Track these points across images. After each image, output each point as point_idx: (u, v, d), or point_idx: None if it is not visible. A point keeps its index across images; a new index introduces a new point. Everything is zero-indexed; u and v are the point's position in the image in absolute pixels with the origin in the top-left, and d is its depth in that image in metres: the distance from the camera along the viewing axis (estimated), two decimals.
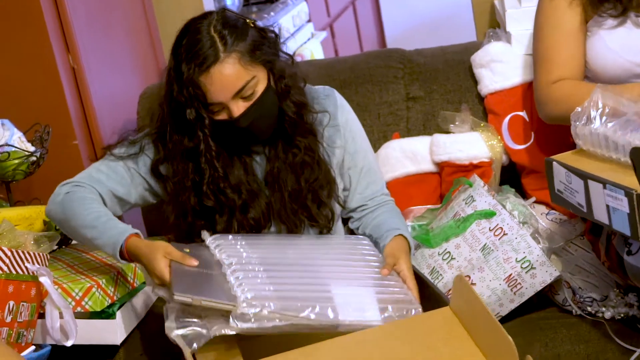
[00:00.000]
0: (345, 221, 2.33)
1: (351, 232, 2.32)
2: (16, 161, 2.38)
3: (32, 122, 2.51)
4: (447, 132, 2.58)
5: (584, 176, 1.83)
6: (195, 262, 1.88)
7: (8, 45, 2.59)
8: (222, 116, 2.03)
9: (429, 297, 2.03)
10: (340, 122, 2.21)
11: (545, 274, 2.13)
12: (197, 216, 2.12)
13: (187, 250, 1.92)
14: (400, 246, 2.09)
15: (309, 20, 4.61)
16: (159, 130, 2.12)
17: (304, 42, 4.40)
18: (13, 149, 2.38)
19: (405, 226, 2.22)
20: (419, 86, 2.71)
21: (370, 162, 2.28)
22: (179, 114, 2.03)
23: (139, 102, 2.77)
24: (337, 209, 2.22)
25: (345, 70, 2.77)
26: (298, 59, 4.14)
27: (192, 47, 1.97)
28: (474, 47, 2.69)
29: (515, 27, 2.59)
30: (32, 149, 2.43)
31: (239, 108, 2.00)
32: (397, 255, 2.04)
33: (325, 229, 2.17)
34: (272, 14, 4.14)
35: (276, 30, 2.11)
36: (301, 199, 2.13)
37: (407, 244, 2.12)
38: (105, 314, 2.05)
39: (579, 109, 1.89)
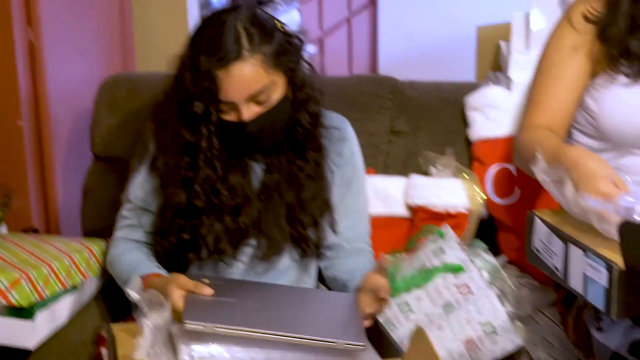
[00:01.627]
0: None
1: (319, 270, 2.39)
2: None
3: None
4: (427, 174, 2.64)
5: (566, 239, 1.88)
6: (209, 291, 1.97)
7: None
8: (231, 117, 2.09)
9: (381, 343, 2.08)
10: (348, 153, 2.31)
11: (507, 341, 2.19)
12: (179, 215, 2.17)
13: (207, 281, 2.02)
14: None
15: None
16: (161, 120, 2.18)
17: None
18: None
19: None
20: (405, 120, 2.77)
21: (362, 204, 2.37)
22: (185, 105, 2.09)
23: (98, 91, 2.81)
24: (329, 235, 2.28)
25: (332, 92, 2.80)
26: None
27: (216, 39, 2.04)
28: (471, 88, 2.74)
29: (518, 74, 2.64)
30: None
31: (250, 112, 2.07)
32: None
33: (309, 252, 2.24)
34: None
35: (301, 36, 2.18)
36: (295, 215, 2.19)
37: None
38: (26, 312, 2.08)
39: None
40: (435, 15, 5.78)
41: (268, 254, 2.22)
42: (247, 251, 2.23)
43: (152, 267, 2.17)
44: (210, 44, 2.03)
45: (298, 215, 2.20)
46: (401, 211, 2.64)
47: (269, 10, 4.23)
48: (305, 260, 2.27)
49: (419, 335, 1.89)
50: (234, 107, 2.07)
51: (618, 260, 1.73)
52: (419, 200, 2.59)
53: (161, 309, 1.93)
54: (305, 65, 2.19)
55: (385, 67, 5.97)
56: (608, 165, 1.92)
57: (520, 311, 2.31)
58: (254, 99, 2.06)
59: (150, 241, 2.24)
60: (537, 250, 1.99)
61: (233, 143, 2.14)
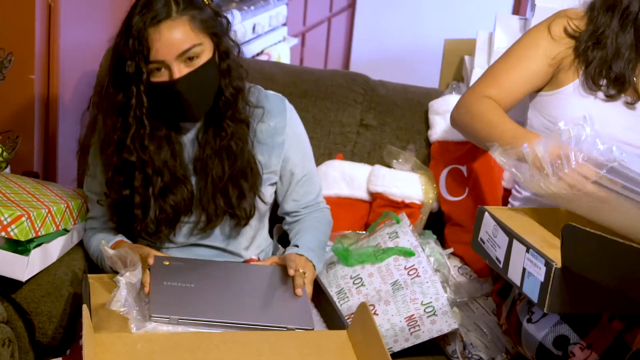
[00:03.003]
0: (280, 220, 2.39)
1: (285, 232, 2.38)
2: None
3: None
4: (389, 166, 2.63)
5: (511, 235, 1.87)
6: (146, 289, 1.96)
7: None
8: (162, 77, 2.04)
9: (330, 316, 2.07)
10: (287, 129, 2.25)
11: (444, 323, 2.19)
12: (116, 172, 2.13)
13: (167, 263, 2.02)
14: (302, 261, 2.14)
15: (285, 24, 4.64)
16: (100, 87, 2.15)
17: (275, 44, 4.43)
18: None
19: (321, 246, 2.26)
20: (374, 115, 2.76)
21: (310, 171, 2.32)
22: (119, 68, 2.04)
23: (104, 56, 2.77)
24: (260, 205, 2.24)
25: (310, 81, 2.81)
26: (265, 57, 4.19)
27: (148, 1, 2.01)
28: (436, 94, 2.75)
29: None
30: None
31: (180, 70, 2.02)
32: (300, 265, 2.10)
33: (242, 221, 2.19)
34: (252, 7, 4.16)
35: (228, 17, 2.15)
36: (222, 185, 2.15)
37: (307, 263, 2.15)
38: (22, 248, 2.05)
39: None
40: (407, 24, 5.78)
41: (204, 228, 2.19)
42: (184, 229, 2.21)
43: (116, 237, 2.19)
44: (142, 7, 2.01)
45: (225, 186, 2.15)
46: (363, 195, 2.64)
47: (261, 3, 4.22)
48: (238, 228, 2.24)
49: (362, 310, 1.88)
50: (165, 66, 2.03)
51: (557, 259, 1.73)
52: (379, 188, 2.59)
53: (134, 267, 1.93)
54: (232, 43, 2.14)
55: (356, 65, 5.97)
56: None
57: (459, 298, 2.32)
58: (184, 56, 2.02)
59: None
60: (482, 241, 1.99)
61: (163, 107, 2.08)
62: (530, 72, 2.23)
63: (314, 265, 2.15)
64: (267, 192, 2.26)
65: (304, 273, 2.08)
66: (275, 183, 2.29)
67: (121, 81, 2.05)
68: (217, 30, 2.08)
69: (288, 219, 2.34)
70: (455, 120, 2.28)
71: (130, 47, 2.00)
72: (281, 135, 2.23)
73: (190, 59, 2.03)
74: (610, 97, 2.15)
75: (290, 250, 2.19)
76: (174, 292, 1.96)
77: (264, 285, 2.06)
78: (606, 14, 2.16)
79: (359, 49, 6.02)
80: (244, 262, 2.25)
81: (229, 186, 2.15)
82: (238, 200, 2.16)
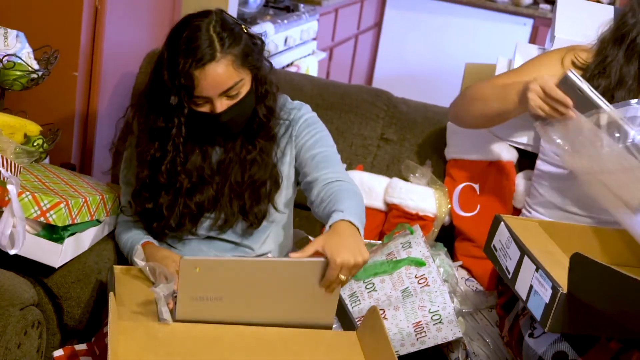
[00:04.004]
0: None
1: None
2: (19, 73, 2.37)
3: (44, 43, 2.51)
4: (406, 179, 2.62)
5: (523, 250, 1.86)
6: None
7: None
8: (204, 109, 2.05)
9: (342, 318, 2.06)
10: (302, 122, 2.20)
11: (449, 331, 2.18)
12: (144, 188, 2.15)
13: (197, 270, 1.85)
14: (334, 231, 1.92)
15: (315, 39, 4.65)
16: (140, 106, 2.15)
17: (304, 56, 4.44)
18: (20, 61, 2.36)
19: (355, 207, 2.01)
20: (394, 130, 2.75)
21: (328, 150, 2.20)
22: (161, 97, 2.05)
23: (143, 60, 2.77)
24: (274, 212, 2.21)
25: (336, 95, 2.81)
26: (294, 69, 4.19)
27: (191, 42, 1.99)
28: None
29: None
30: (36, 67, 2.42)
31: (222, 105, 2.04)
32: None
33: (254, 224, 2.18)
34: (285, 21, 4.16)
35: (263, 38, 2.15)
36: (240, 190, 2.15)
37: (346, 227, 1.92)
38: (57, 235, 2.05)
39: None
40: (430, 45, 5.77)
41: (223, 226, 2.19)
42: (205, 223, 2.19)
43: (144, 237, 2.18)
44: (187, 47, 1.99)
45: (243, 192, 2.15)
46: (379, 205, 2.63)
47: (294, 18, 4.23)
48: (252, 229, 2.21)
49: (372, 314, 1.87)
50: (208, 100, 2.04)
51: (564, 284, 1.71)
52: (396, 199, 2.57)
53: (166, 281, 1.92)
54: (267, 63, 2.15)
55: (379, 81, 5.96)
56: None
57: (464, 308, 2.30)
58: (226, 93, 2.03)
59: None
60: (495, 248, 1.98)
61: (203, 129, 2.10)
62: None
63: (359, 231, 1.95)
64: (282, 201, 2.22)
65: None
66: (303, 170, 2.19)
67: (162, 109, 2.07)
68: (255, 61, 2.08)
69: (312, 197, 2.14)
70: (453, 111, 2.35)
71: (175, 84, 2.01)
72: (296, 127, 2.20)
73: (232, 93, 2.04)
74: None
75: (336, 217, 1.94)
76: (202, 308, 1.87)
77: (293, 284, 1.92)
78: (614, 46, 2.17)
79: (382, 66, 6.01)
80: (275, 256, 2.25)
81: (246, 192, 2.16)
82: (252, 205, 2.16)
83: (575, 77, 1.99)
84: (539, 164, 2.34)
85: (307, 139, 2.20)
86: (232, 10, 3.49)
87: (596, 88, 2.11)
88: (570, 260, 1.69)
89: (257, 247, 2.24)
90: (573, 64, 2.22)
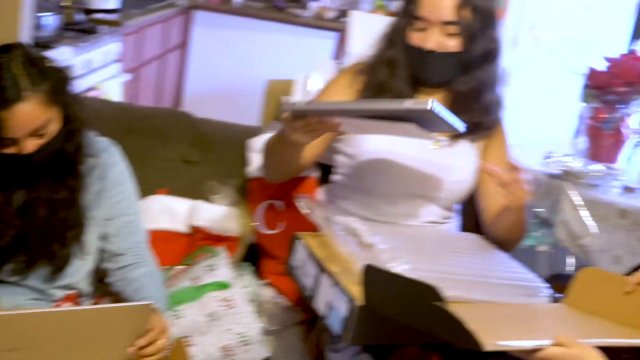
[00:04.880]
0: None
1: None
2: None
3: None
4: (210, 201, 2.62)
5: (320, 266, 1.90)
6: None
7: None
8: (11, 150, 1.95)
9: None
10: (112, 175, 2.17)
11: (258, 351, 2.20)
12: None
13: None
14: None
15: (119, 60, 4.58)
16: None
17: (106, 79, 4.36)
18: None
19: (163, 295, 2.17)
20: (197, 152, 2.75)
21: (134, 214, 2.22)
22: None
23: None
24: (108, 246, 2.17)
25: (137, 118, 2.78)
26: (95, 93, 4.11)
27: None
28: (256, 132, 2.75)
29: None
30: None
31: (30, 145, 1.94)
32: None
33: (57, 268, 2.10)
34: (85, 44, 4.08)
35: (70, 70, 2.07)
36: (48, 233, 2.07)
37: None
38: None
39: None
40: (238, 62, 5.80)
41: (25, 271, 2.08)
42: (8, 267, 2.09)
43: None
44: None
45: (50, 234, 2.07)
46: (183, 228, 2.61)
47: (94, 40, 4.15)
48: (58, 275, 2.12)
49: (177, 347, 1.86)
50: (15, 141, 1.94)
51: (359, 296, 1.75)
52: (199, 222, 2.57)
53: None
54: (74, 97, 2.06)
55: (189, 100, 5.94)
56: None
57: (272, 327, 2.33)
58: (34, 134, 1.94)
59: None
60: (295, 267, 2.01)
61: (10, 173, 1.99)
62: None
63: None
64: (93, 243, 2.16)
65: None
66: (105, 231, 2.18)
67: None
68: (66, 98, 1.99)
69: (111, 265, 2.20)
70: (264, 172, 2.40)
71: None
72: (107, 181, 2.16)
73: (41, 133, 1.95)
74: None
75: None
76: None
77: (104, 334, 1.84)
78: (376, 55, 2.30)
79: (192, 85, 5.99)
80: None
81: (54, 234, 2.07)
82: (58, 247, 2.08)
83: (296, 104, 2.03)
84: (334, 176, 2.41)
85: (118, 200, 2.16)
86: (26, 36, 3.39)
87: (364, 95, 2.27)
88: (363, 272, 1.73)
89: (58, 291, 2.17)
90: (356, 75, 2.33)
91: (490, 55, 2.26)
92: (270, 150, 2.26)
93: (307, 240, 2.01)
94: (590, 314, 1.87)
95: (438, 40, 2.19)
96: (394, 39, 2.27)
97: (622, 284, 1.85)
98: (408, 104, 1.81)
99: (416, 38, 2.21)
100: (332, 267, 1.89)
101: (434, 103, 1.76)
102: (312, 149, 2.26)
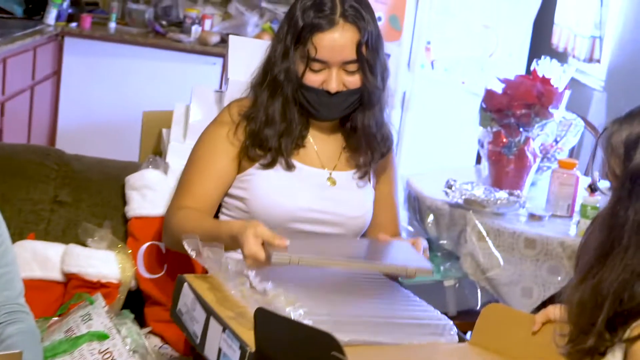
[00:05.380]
0: None
1: None
2: None
3: None
4: (84, 245, 2.56)
5: (209, 311, 1.88)
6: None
7: None
8: None
9: None
10: None
11: None
12: None
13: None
14: None
15: None
16: None
17: None
18: None
19: (39, 353, 2.12)
20: (68, 192, 2.69)
21: (6, 265, 2.15)
22: None
23: None
24: None
25: (1, 157, 2.71)
26: None
27: None
28: (133, 168, 2.72)
29: (174, 160, 2.66)
30: None
31: None
32: None
33: None
34: None
35: None
36: None
37: None
38: None
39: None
40: (115, 93, 5.73)
41: None
42: None
43: None
44: None
45: None
46: (57, 276, 2.53)
47: None
48: None
49: None
50: None
51: (251, 341, 1.74)
52: (74, 268, 2.50)
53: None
54: None
55: (63, 136, 5.82)
56: (259, 228, 2.00)
57: None
58: None
59: None
60: (181, 312, 1.99)
61: None
62: (218, 174, 2.34)
63: None
64: None
65: None
66: None
67: None
68: None
69: None
70: (166, 243, 2.37)
71: None
72: None
73: None
74: (269, 165, 2.31)
75: None
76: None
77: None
78: (261, 88, 2.33)
79: (66, 118, 5.86)
80: None
81: None
82: None
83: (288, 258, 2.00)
84: (222, 218, 2.41)
85: None
86: None
87: (252, 132, 2.30)
88: (254, 315, 1.72)
89: None
90: (239, 114, 2.35)
91: (384, 83, 2.35)
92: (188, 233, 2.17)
93: (194, 283, 1.98)
94: (496, 354, 1.89)
95: (340, 81, 2.27)
96: (283, 79, 2.30)
97: (529, 322, 1.88)
98: (411, 270, 2.01)
99: (315, 80, 2.27)
100: (223, 312, 1.88)
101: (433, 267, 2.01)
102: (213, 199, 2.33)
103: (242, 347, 1.75)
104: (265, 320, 1.71)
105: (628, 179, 1.57)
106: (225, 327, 1.82)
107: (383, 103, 2.38)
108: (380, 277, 2.19)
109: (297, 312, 1.80)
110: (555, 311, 1.82)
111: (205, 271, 2.06)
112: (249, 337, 1.76)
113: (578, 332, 1.62)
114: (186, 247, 1.98)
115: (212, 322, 1.86)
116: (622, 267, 1.56)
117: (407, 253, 2.13)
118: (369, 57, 2.28)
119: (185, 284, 2.00)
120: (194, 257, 1.97)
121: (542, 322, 1.85)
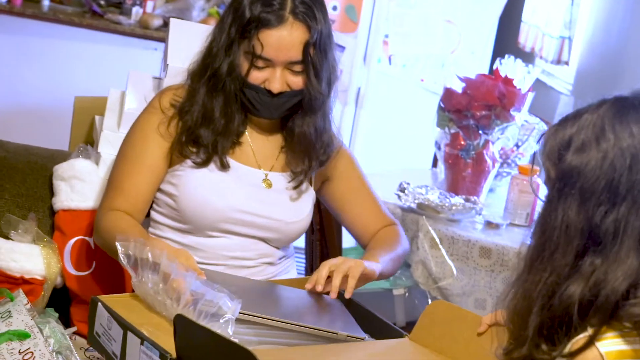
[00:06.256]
0: None
1: None
2: None
3: None
4: (7, 237, 2.59)
5: (125, 326, 1.94)
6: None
7: None
8: None
9: None
10: None
11: None
12: None
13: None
14: None
15: None
16: None
17: None
18: None
19: None
20: None
21: None
22: None
23: None
24: None
25: None
26: None
27: None
28: (63, 157, 2.74)
29: (106, 150, 2.67)
30: None
31: None
32: None
33: None
34: None
35: None
36: None
37: None
38: None
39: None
40: (46, 75, 5.70)
41: None
42: None
43: None
44: None
45: None
46: None
47: None
48: None
49: None
50: None
51: (172, 349, 1.82)
52: None
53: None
54: None
55: None
56: (185, 258, 2.09)
57: None
58: None
59: None
60: (98, 334, 2.05)
61: None
62: (149, 169, 2.38)
63: None
64: None
65: None
66: None
67: None
68: None
69: None
70: (97, 242, 2.39)
71: None
72: None
73: None
74: (203, 164, 2.36)
75: None
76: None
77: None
78: (200, 81, 2.36)
79: None
80: None
81: None
82: None
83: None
84: (154, 215, 2.46)
85: None
86: None
87: (188, 127, 2.35)
88: (174, 322, 1.81)
89: None
90: (172, 106, 2.39)
91: (330, 85, 2.40)
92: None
93: (109, 302, 2.04)
94: (436, 352, 1.95)
95: (284, 81, 2.32)
96: (225, 74, 2.33)
97: (475, 323, 1.93)
98: (342, 335, 2.07)
99: (257, 77, 2.32)
100: (141, 325, 1.95)
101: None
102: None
103: (162, 355, 1.82)
104: (183, 326, 1.80)
105: (558, 179, 1.61)
106: (143, 340, 1.89)
107: (326, 109, 2.43)
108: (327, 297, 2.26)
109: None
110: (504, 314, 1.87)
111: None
112: (170, 345, 1.83)
113: (513, 340, 1.64)
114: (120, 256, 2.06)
115: (130, 336, 1.93)
116: (551, 269, 1.58)
117: (340, 314, 2.20)
118: (316, 60, 2.32)
119: (99, 304, 2.05)
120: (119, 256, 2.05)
121: (489, 324, 1.90)
